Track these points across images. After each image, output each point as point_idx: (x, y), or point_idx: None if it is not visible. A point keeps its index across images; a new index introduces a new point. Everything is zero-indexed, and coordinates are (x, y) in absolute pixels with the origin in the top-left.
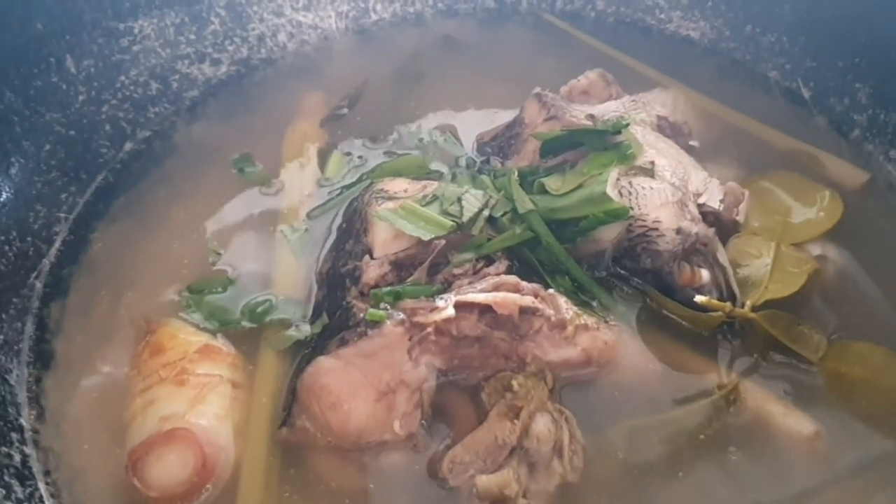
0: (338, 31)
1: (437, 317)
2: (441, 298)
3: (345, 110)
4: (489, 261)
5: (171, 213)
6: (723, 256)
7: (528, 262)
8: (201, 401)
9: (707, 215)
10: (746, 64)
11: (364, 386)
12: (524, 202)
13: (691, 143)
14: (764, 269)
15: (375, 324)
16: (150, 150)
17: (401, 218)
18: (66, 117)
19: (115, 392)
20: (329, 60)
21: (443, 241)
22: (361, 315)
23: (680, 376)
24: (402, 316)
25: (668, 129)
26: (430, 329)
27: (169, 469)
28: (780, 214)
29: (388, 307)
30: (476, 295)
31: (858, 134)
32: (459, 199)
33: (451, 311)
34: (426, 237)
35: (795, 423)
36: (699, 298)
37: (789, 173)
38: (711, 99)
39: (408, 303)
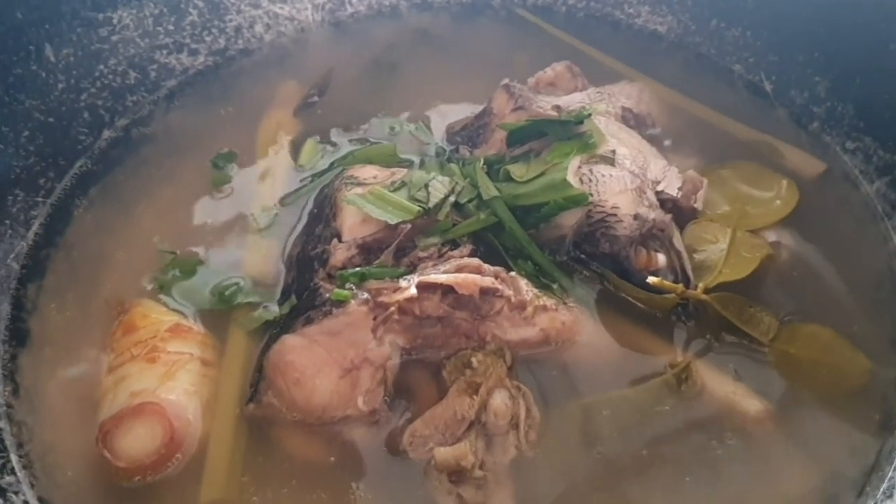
0: (314, 23)
1: (400, 296)
2: (405, 279)
3: (315, 98)
4: (455, 245)
5: (147, 199)
6: (678, 241)
7: (492, 247)
8: (171, 377)
9: (665, 202)
10: (711, 58)
11: (328, 363)
12: (489, 189)
13: (652, 131)
14: (719, 253)
15: (340, 303)
16: (127, 137)
17: (369, 202)
18: (45, 105)
19: (89, 369)
20: (305, 52)
21: (409, 226)
22: (327, 295)
23: (635, 356)
24: (366, 296)
25: (632, 119)
26: (393, 308)
27: (138, 441)
28: (739, 202)
29: (353, 287)
30: (438, 276)
31: (817, 126)
32: (426, 186)
33: (413, 291)
34: (393, 221)
35: (745, 401)
36: (651, 279)
37: (749, 163)
38: (676, 92)
39: (372, 283)
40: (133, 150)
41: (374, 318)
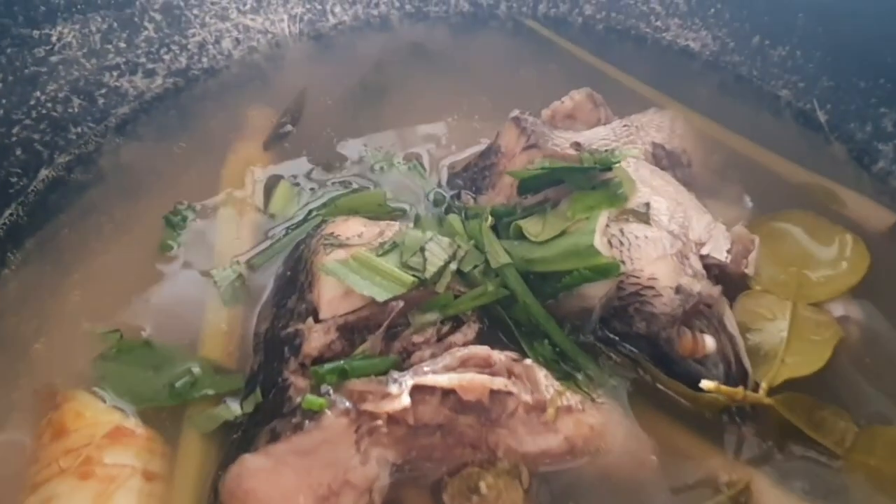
0: (291, 37)
1: (390, 407)
2: (394, 381)
3: (289, 127)
4: (456, 322)
5: (90, 259)
6: (731, 321)
7: (501, 322)
8: (108, 500)
9: (711, 268)
10: (753, 81)
11: (299, 490)
12: (498, 255)
13: (686, 172)
14: (779, 336)
15: (314, 414)
16: (69, 178)
17: (352, 272)
18: None
19: (9, 481)
20: (280, 71)
21: (401, 303)
22: (298, 400)
23: (680, 468)
24: (346, 404)
25: (665, 158)
26: (380, 420)
27: None
28: (795, 265)
29: (331, 391)
30: (437, 377)
31: (883, 166)
32: (422, 249)
33: (406, 400)
34: (381, 298)
35: None
36: (706, 384)
37: (803, 213)
38: (713, 121)
39: (355, 385)
40: (75, 194)
41: (357, 430)
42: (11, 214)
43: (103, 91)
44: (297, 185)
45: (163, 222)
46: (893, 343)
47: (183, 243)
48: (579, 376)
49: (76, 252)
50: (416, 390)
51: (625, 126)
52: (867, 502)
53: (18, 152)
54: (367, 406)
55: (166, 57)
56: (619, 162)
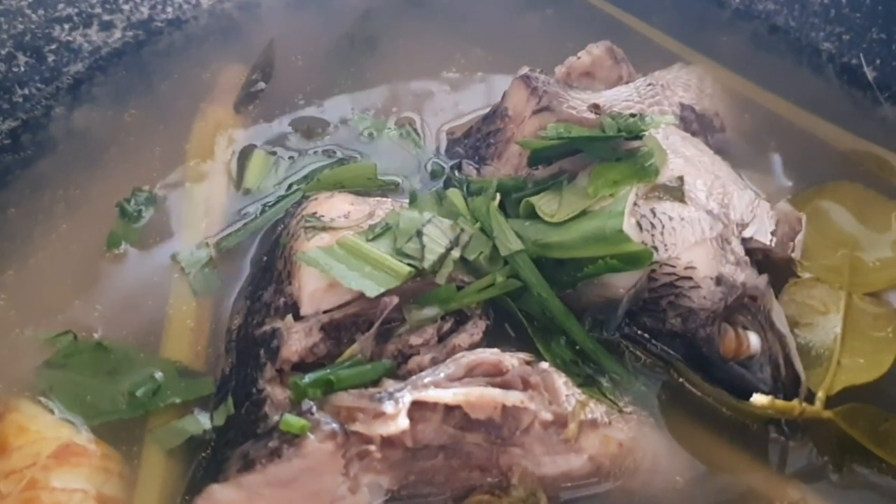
0: None
1: (384, 430)
2: (390, 396)
3: (261, 85)
4: (460, 317)
5: (39, 243)
6: (779, 317)
7: (511, 317)
8: None
9: (753, 253)
10: (791, 32)
11: None
12: (508, 240)
13: (719, 137)
14: (832, 332)
15: (294, 437)
16: (15, 146)
17: (338, 261)
18: None
19: None
20: (255, 22)
21: (395, 298)
22: (276, 418)
23: (720, 489)
24: (332, 425)
25: (695, 122)
26: (373, 447)
27: None
28: (846, 247)
29: (314, 409)
30: (441, 392)
31: None
32: (419, 233)
33: (403, 423)
34: (372, 293)
35: None
36: (758, 399)
37: (852, 185)
38: (745, 79)
39: (343, 400)
40: (23, 164)
41: (345, 454)
42: None
43: (53, 46)
44: (274, 154)
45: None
46: None
47: (136, 239)
48: (603, 381)
49: (22, 235)
50: (416, 407)
51: (649, 85)
52: None
53: None
54: (358, 427)
55: (125, 7)
56: (648, 130)
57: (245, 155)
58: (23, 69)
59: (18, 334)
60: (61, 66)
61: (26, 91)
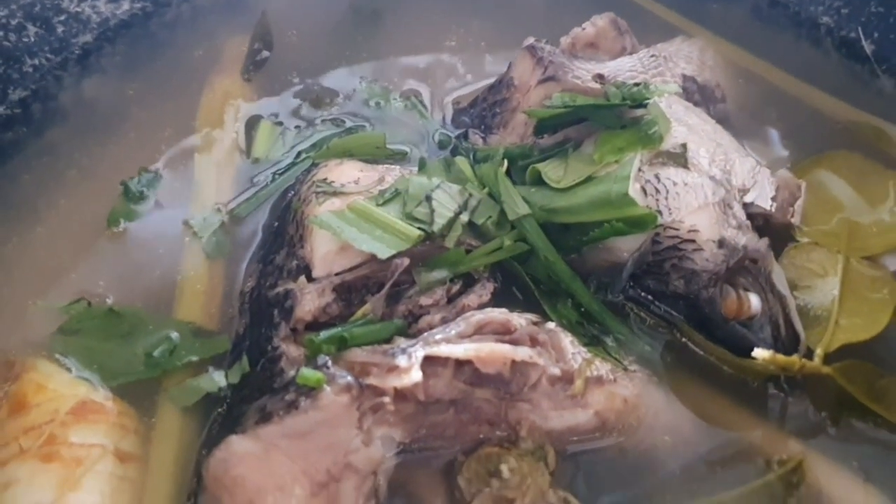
0: None
1: (398, 382)
2: (403, 351)
3: (265, 53)
4: (468, 280)
5: (51, 205)
6: (780, 278)
7: (518, 280)
8: (74, 485)
9: (754, 218)
10: (790, 6)
11: (294, 476)
12: (516, 205)
13: (720, 108)
14: (831, 293)
15: (310, 391)
16: (26, 116)
17: (349, 224)
18: None
19: None
20: None
21: (406, 260)
22: (291, 373)
23: (722, 444)
24: (347, 378)
25: (697, 93)
26: (387, 398)
27: None
28: (844, 213)
29: (329, 363)
30: (452, 347)
31: None
32: (429, 198)
33: (416, 375)
34: (383, 254)
35: None
36: (759, 353)
37: (850, 155)
38: (746, 52)
39: (357, 355)
40: (34, 133)
41: (359, 407)
42: None
43: (62, 18)
44: (280, 124)
45: (120, 188)
46: None
47: (137, 218)
48: (608, 341)
49: (33, 203)
50: (428, 362)
51: (652, 56)
52: None
53: None
54: (372, 381)
55: None
56: (652, 98)
57: (251, 125)
58: (32, 39)
59: (32, 304)
60: (70, 36)
61: (36, 61)
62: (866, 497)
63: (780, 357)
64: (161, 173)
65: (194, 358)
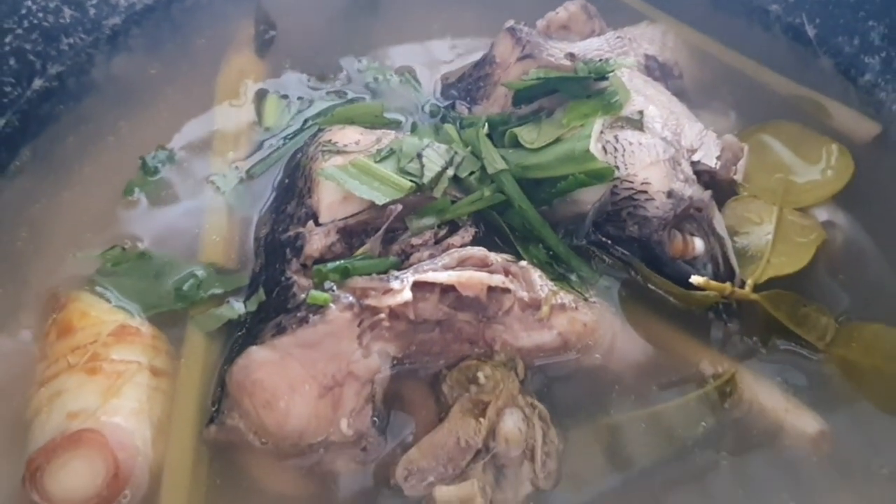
0: None
1: (392, 301)
2: (396, 277)
3: (272, 32)
4: (453, 227)
5: (87, 164)
6: (720, 224)
7: (496, 228)
8: (116, 393)
9: (701, 174)
10: None
11: (305, 380)
12: (495, 160)
13: (678, 83)
14: (765, 238)
15: (318, 308)
16: (62, 88)
17: (351, 177)
18: None
19: (18, 378)
20: None
21: (400, 207)
22: (303, 296)
23: (668, 363)
24: (350, 299)
25: (657, 70)
26: (383, 315)
27: (74, 480)
28: (782, 172)
29: (334, 287)
30: (437, 273)
31: (870, 79)
32: (420, 156)
33: (407, 295)
34: (380, 201)
35: (798, 420)
36: (696, 279)
37: (791, 124)
38: (704, 35)
39: (357, 282)
40: (70, 103)
41: (360, 324)
42: (6, 124)
43: (94, 2)
44: (286, 97)
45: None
46: (874, 246)
47: (151, 190)
48: (573, 278)
49: (71, 161)
50: (417, 287)
51: (618, 38)
52: (844, 393)
53: (12, 62)
54: (370, 301)
55: None
56: (613, 71)
57: (260, 98)
58: (68, 21)
59: (76, 241)
60: (101, 18)
61: (71, 40)
62: (787, 402)
63: (714, 282)
64: (181, 145)
65: (217, 291)
